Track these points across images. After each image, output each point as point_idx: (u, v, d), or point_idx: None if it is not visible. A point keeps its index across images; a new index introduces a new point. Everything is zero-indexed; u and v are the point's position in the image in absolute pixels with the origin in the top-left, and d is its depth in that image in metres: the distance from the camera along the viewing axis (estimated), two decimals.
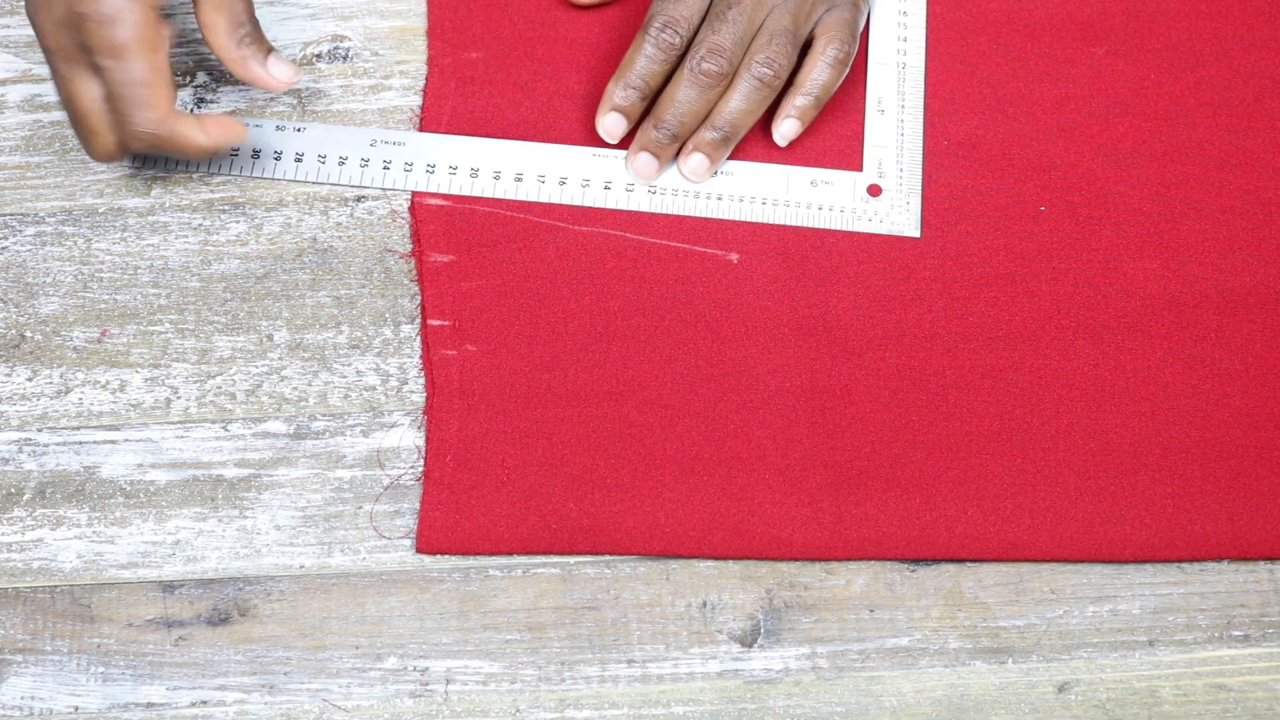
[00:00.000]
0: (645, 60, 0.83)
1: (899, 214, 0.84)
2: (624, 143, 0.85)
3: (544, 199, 0.84)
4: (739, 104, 0.83)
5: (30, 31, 0.90)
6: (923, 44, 0.89)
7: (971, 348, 0.81)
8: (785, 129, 0.84)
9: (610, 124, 0.84)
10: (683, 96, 0.83)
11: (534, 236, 0.84)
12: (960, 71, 0.88)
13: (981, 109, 0.87)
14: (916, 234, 0.84)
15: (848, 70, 0.85)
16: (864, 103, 0.87)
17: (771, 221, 0.84)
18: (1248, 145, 0.86)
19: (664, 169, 0.84)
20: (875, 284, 0.83)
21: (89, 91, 0.79)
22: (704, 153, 0.83)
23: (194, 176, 0.86)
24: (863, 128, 0.87)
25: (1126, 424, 0.79)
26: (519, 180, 0.84)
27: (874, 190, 0.85)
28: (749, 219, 0.84)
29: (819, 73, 0.84)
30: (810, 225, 0.84)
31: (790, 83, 0.85)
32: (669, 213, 0.84)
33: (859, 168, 0.86)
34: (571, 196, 0.84)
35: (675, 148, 0.84)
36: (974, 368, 0.81)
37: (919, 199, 0.85)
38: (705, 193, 0.84)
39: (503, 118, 0.87)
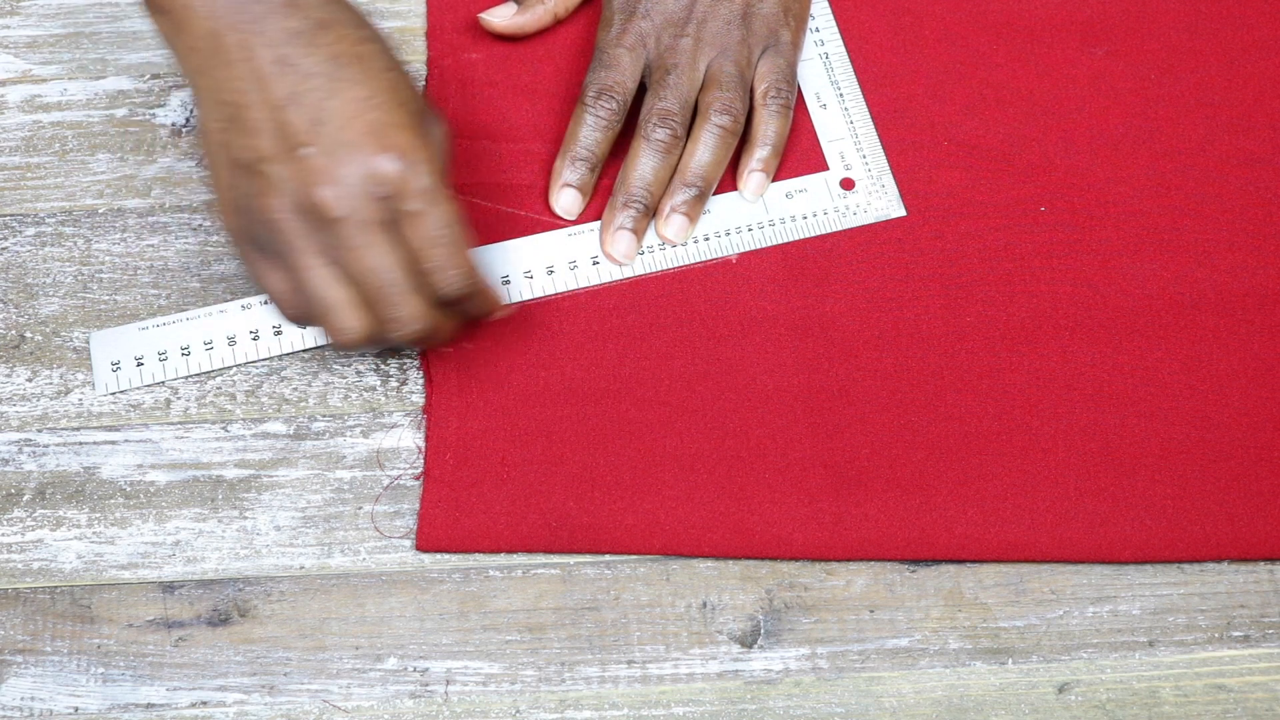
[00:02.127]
0: (588, 131, 0.83)
1: (878, 199, 0.84)
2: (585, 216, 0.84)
3: (539, 294, 0.82)
4: (705, 156, 0.83)
5: (31, 32, 0.90)
6: (836, 29, 0.89)
7: (970, 348, 0.81)
8: (754, 184, 0.84)
9: (567, 202, 0.83)
10: (644, 167, 0.82)
11: (534, 233, 0.84)
12: (961, 73, 0.88)
13: (982, 109, 0.87)
14: (902, 212, 0.84)
15: (792, 114, 0.85)
16: (804, 103, 0.87)
17: (763, 245, 0.83)
18: (1247, 145, 0.86)
19: (641, 243, 0.83)
20: (874, 284, 0.83)
21: (374, 260, 0.72)
22: (682, 214, 0.83)
23: (194, 176, 0.86)
24: (813, 127, 0.87)
25: (1126, 424, 0.79)
26: (506, 283, 0.82)
27: (847, 184, 0.85)
28: (742, 249, 0.83)
29: (771, 123, 0.84)
30: (800, 237, 0.83)
31: (744, 136, 0.85)
32: (665, 269, 0.83)
33: (825, 167, 0.86)
34: (565, 283, 0.82)
35: (649, 219, 0.83)
36: (973, 368, 0.81)
37: (892, 179, 0.85)
38: (692, 237, 0.84)
39: (503, 120, 0.87)
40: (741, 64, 0.84)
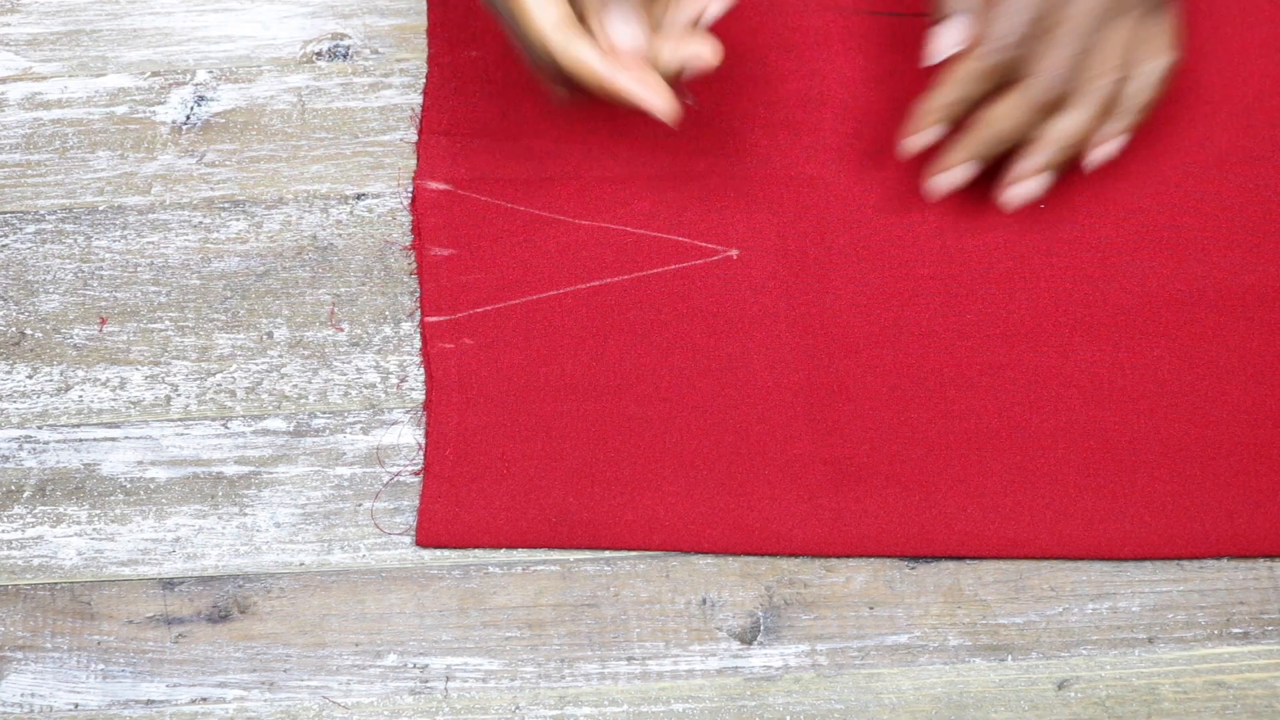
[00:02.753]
0: (967, 78, 0.82)
1: None
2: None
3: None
4: (1077, 124, 0.82)
5: (31, 29, 0.90)
6: None
7: (970, 345, 0.81)
8: (1110, 149, 0.83)
9: (923, 139, 0.83)
10: (1014, 118, 0.81)
11: (535, 230, 0.84)
12: None
13: None
14: None
15: (1143, 115, 0.83)
16: None
17: None
18: (1247, 142, 0.86)
19: (964, 184, 0.83)
20: (874, 281, 0.83)
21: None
22: (1040, 174, 0.82)
23: (194, 174, 0.86)
24: None
25: (1125, 421, 0.79)
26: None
27: None
28: None
29: (1145, 90, 0.82)
30: None
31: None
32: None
33: None
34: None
35: (985, 165, 0.82)
36: (973, 365, 0.81)
37: None
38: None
39: (503, 117, 0.87)
40: (1135, 35, 0.81)
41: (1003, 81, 0.82)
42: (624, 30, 0.74)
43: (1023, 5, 0.81)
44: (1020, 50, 0.81)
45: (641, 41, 0.74)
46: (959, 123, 0.83)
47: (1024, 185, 0.82)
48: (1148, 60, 0.83)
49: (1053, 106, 0.82)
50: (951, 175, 0.83)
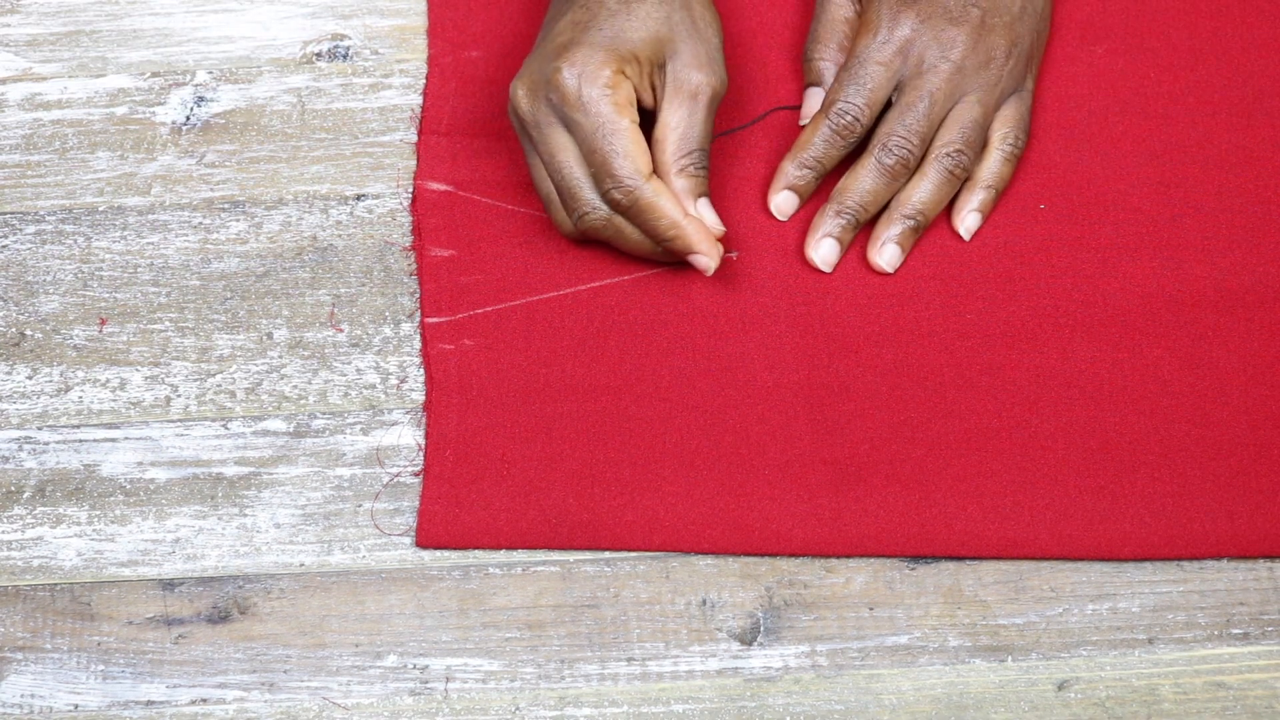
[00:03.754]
0: (823, 143, 0.83)
1: None
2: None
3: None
4: (928, 195, 0.83)
5: (31, 30, 0.90)
6: None
7: (970, 345, 0.81)
8: (970, 223, 0.84)
9: (783, 201, 0.84)
10: (866, 185, 0.83)
11: (535, 231, 0.84)
12: None
13: None
14: None
15: (1018, 161, 0.85)
16: None
17: None
18: (1246, 144, 0.86)
19: (843, 254, 0.84)
20: (874, 281, 0.83)
21: (549, 153, 0.79)
22: (898, 244, 0.83)
23: (194, 174, 0.86)
24: None
25: (1125, 422, 0.79)
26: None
27: None
28: None
29: (1000, 167, 0.84)
30: None
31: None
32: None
33: None
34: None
35: (855, 233, 0.83)
36: (973, 365, 0.81)
37: None
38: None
39: (501, 115, 0.87)
40: (988, 108, 0.84)
41: (858, 144, 0.84)
42: (713, 217, 0.81)
43: (871, 72, 0.83)
44: (868, 114, 0.83)
45: (723, 229, 0.82)
46: (821, 182, 0.85)
47: (881, 253, 0.83)
48: (1001, 140, 0.84)
49: (905, 174, 0.83)
50: (826, 249, 0.83)
